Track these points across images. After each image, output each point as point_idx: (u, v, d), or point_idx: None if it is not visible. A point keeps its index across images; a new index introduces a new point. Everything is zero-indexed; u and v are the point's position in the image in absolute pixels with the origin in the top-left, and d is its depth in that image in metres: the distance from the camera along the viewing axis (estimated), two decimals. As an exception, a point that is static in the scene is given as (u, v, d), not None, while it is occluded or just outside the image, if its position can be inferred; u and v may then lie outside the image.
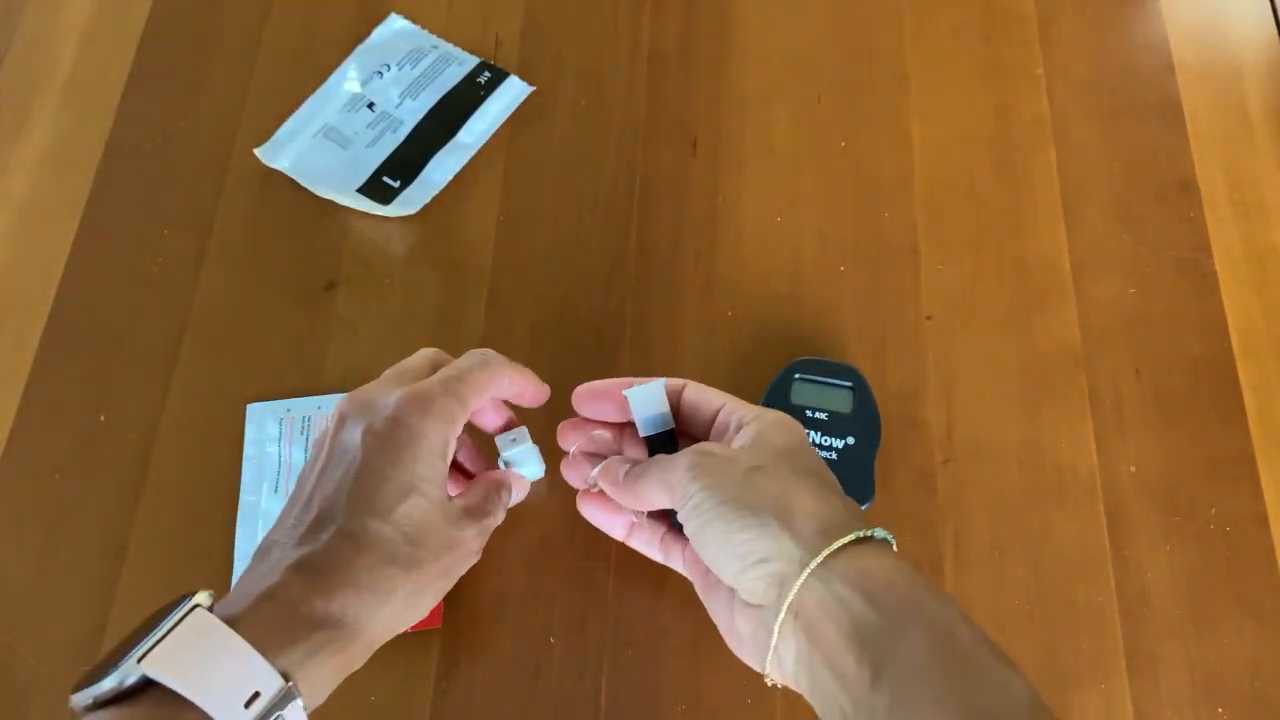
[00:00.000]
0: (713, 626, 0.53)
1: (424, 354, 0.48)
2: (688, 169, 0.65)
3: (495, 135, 0.66)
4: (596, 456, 0.50)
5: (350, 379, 0.59)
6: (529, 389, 0.49)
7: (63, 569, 0.55)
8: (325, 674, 0.39)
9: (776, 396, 0.56)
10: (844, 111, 0.66)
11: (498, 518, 0.48)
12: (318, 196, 0.64)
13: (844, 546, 0.37)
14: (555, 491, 0.56)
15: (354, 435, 0.42)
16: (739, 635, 0.41)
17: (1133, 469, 0.55)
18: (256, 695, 0.35)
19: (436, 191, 0.64)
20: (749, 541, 0.38)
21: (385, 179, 0.65)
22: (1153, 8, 0.69)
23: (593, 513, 0.50)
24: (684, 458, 0.42)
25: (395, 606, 0.41)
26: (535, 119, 0.67)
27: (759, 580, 0.38)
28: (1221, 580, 0.53)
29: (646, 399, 0.47)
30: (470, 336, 0.60)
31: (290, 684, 0.37)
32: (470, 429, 0.49)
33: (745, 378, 0.57)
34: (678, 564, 0.48)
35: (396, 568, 0.41)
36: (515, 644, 0.53)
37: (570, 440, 0.51)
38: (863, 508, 0.54)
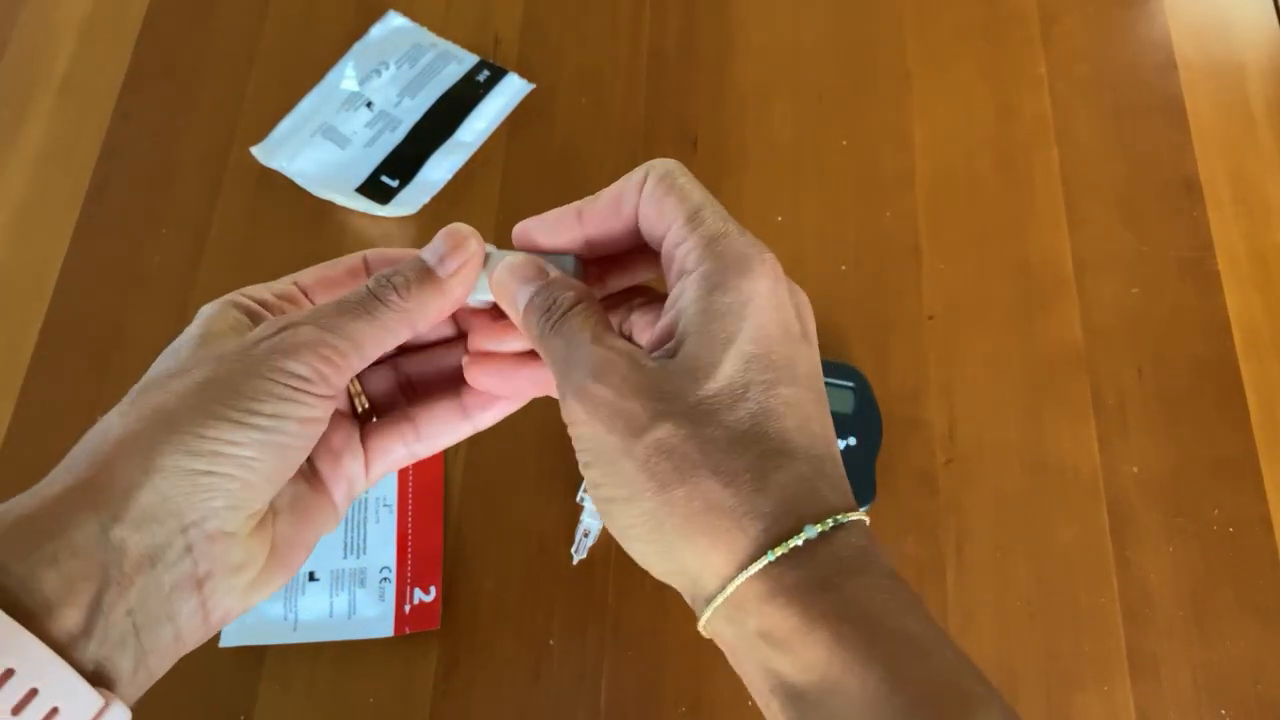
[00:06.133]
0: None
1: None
2: (688, 168, 0.65)
3: (494, 134, 0.66)
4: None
5: (349, 379, 0.59)
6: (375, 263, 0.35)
7: (60, 570, 0.55)
8: (35, 529, 0.27)
9: (777, 397, 0.55)
10: (845, 110, 0.66)
11: (352, 299, 0.32)
12: (316, 196, 0.64)
13: (771, 562, 0.28)
14: (556, 494, 0.56)
15: None
16: None
17: (1135, 469, 0.55)
18: None
19: (435, 191, 0.64)
20: (649, 555, 0.29)
21: (384, 178, 0.64)
22: (1155, 6, 0.69)
23: (482, 380, 0.34)
24: (571, 394, 0.29)
25: (115, 440, 0.29)
26: (535, 117, 0.67)
27: (673, 583, 0.30)
28: (1224, 581, 0.53)
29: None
30: (469, 336, 0.60)
31: None
32: None
33: (746, 378, 0.57)
34: None
35: (146, 395, 0.30)
36: (515, 645, 0.53)
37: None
38: (864, 509, 0.53)
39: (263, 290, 0.34)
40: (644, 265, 0.34)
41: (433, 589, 0.54)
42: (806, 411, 0.29)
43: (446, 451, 0.57)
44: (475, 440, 0.57)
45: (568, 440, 0.58)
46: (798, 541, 0.27)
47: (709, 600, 0.28)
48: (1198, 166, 0.63)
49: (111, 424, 0.29)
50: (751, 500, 0.28)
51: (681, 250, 0.30)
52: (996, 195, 0.63)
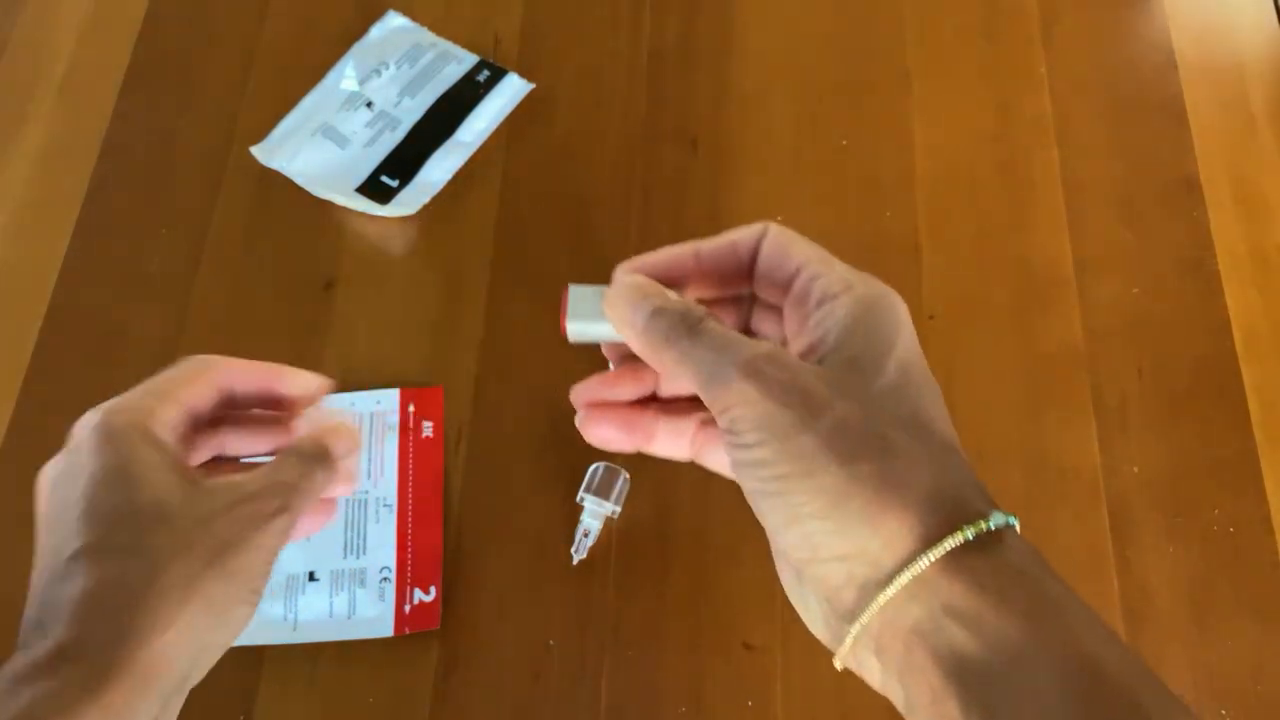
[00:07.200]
0: (711, 628, 0.53)
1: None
2: (688, 169, 0.65)
3: (494, 134, 0.66)
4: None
5: (348, 379, 0.59)
6: (279, 379, 0.41)
7: (59, 570, 0.55)
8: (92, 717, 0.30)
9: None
10: (845, 110, 0.66)
11: (286, 472, 0.36)
12: (316, 196, 0.64)
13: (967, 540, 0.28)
14: (556, 494, 0.56)
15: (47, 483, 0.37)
16: (805, 604, 0.32)
17: (1136, 469, 0.55)
18: None
19: (435, 191, 0.64)
20: (824, 534, 0.29)
21: (384, 178, 0.64)
22: (1155, 5, 0.69)
23: (601, 433, 0.36)
24: (738, 376, 0.29)
25: (170, 604, 0.32)
26: (535, 117, 0.67)
27: (834, 574, 0.29)
28: (1225, 581, 0.53)
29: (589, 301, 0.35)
30: (469, 337, 0.60)
31: None
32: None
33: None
34: (717, 466, 0.36)
35: (138, 561, 0.33)
36: (514, 645, 0.52)
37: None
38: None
39: (166, 427, 0.37)
40: (732, 314, 0.37)
41: (433, 589, 0.54)
42: (950, 425, 0.31)
43: (446, 451, 0.57)
44: (475, 440, 0.57)
45: (568, 441, 0.58)
46: (989, 525, 0.28)
47: (890, 578, 0.28)
48: (1198, 166, 0.63)
49: (168, 604, 0.32)
50: (939, 481, 0.29)
51: (822, 282, 0.33)
52: (996, 195, 0.63)
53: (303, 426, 0.39)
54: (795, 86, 0.67)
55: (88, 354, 0.61)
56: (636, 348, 0.33)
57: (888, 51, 0.68)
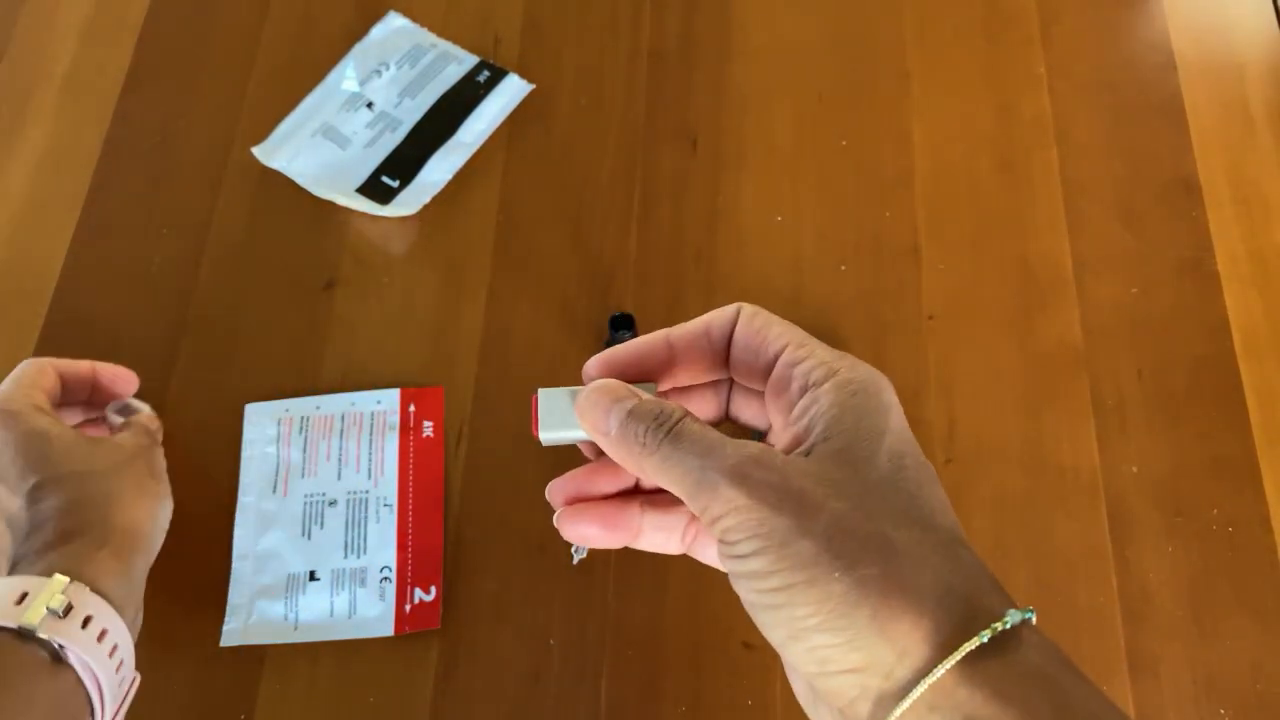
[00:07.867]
0: (711, 628, 0.53)
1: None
2: (688, 169, 0.65)
3: (494, 134, 0.66)
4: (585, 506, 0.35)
5: (348, 378, 0.59)
6: (104, 375, 0.55)
7: (60, 570, 0.55)
8: (102, 563, 0.45)
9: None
10: (845, 110, 0.66)
11: (139, 423, 0.54)
12: (316, 196, 0.64)
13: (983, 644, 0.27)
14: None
15: None
16: (819, 717, 0.31)
17: (1135, 469, 0.55)
18: (25, 595, 0.42)
19: (435, 192, 0.64)
20: (832, 648, 0.27)
21: (384, 179, 0.64)
22: (1154, 6, 0.69)
23: (581, 531, 0.35)
24: (725, 482, 0.28)
25: (125, 497, 0.48)
26: (535, 118, 0.67)
27: (847, 688, 0.27)
28: (1224, 581, 0.53)
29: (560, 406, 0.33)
30: (469, 337, 0.60)
31: (55, 575, 0.43)
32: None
33: (746, 378, 0.57)
34: (712, 561, 0.35)
35: (91, 480, 0.47)
36: (515, 645, 0.53)
37: (567, 489, 0.35)
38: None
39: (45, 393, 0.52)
40: (711, 400, 0.35)
41: (433, 589, 0.54)
42: (951, 511, 0.29)
43: (447, 451, 0.57)
44: (475, 440, 0.58)
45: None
46: (1005, 625, 0.26)
47: (907, 689, 0.26)
48: (1197, 167, 0.63)
49: (124, 498, 0.48)
50: (948, 578, 0.27)
51: (803, 368, 0.31)
52: (996, 195, 0.63)
53: (109, 414, 0.54)
54: (795, 86, 0.67)
55: (88, 354, 0.61)
56: (613, 454, 0.31)
57: (888, 52, 0.68)
